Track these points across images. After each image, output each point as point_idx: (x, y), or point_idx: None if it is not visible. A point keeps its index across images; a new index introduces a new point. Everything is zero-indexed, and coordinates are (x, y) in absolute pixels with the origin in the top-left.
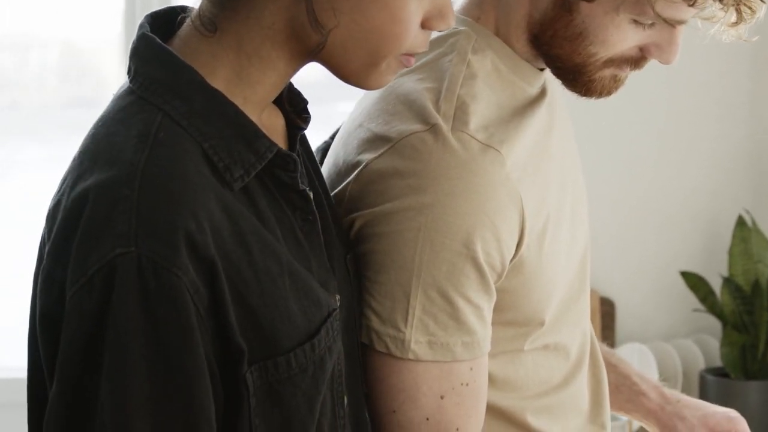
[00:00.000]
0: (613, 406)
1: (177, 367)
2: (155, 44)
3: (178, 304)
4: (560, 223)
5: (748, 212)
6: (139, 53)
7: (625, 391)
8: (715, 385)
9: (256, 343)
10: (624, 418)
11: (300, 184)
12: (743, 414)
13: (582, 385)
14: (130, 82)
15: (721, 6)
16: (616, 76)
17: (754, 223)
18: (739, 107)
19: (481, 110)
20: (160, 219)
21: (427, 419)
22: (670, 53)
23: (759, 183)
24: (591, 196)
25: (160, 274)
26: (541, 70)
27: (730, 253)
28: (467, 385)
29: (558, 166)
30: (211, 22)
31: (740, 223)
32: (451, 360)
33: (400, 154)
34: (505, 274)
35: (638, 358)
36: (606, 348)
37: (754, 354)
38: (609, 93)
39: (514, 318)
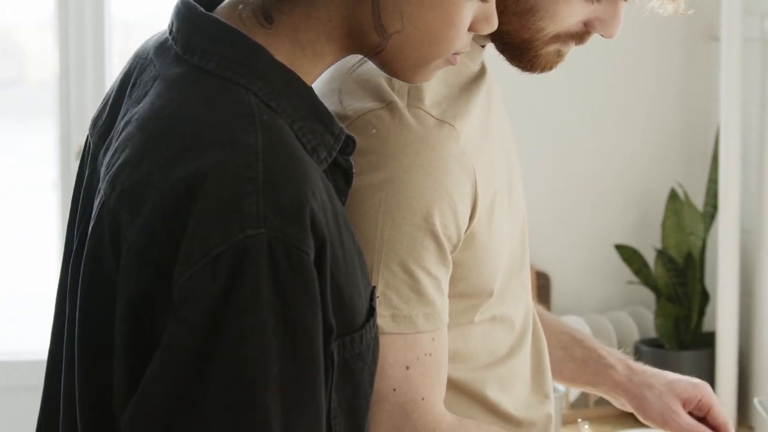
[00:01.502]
0: (580, 380)
1: (306, 346)
2: (221, 23)
3: (308, 283)
4: (503, 198)
5: (680, 185)
6: (203, 31)
7: (592, 365)
8: (649, 355)
9: (339, 320)
10: (562, 389)
11: (352, 168)
12: None
13: (526, 356)
14: (198, 60)
15: None
16: (559, 51)
17: (686, 196)
18: (670, 83)
19: (433, 87)
20: (287, 199)
21: (394, 390)
22: (613, 27)
23: (690, 157)
24: (526, 172)
25: (291, 254)
26: (482, 46)
27: (663, 226)
28: (430, 355)
29: (498, 142)
30: (268, 15)
31: (673, 196)
32: (414, 332)
33: (357, 131)
34: (459, 246)
35: None
36: (571, 325)
37: (688, 325)
38: (551, 68)
39: (465, 289)
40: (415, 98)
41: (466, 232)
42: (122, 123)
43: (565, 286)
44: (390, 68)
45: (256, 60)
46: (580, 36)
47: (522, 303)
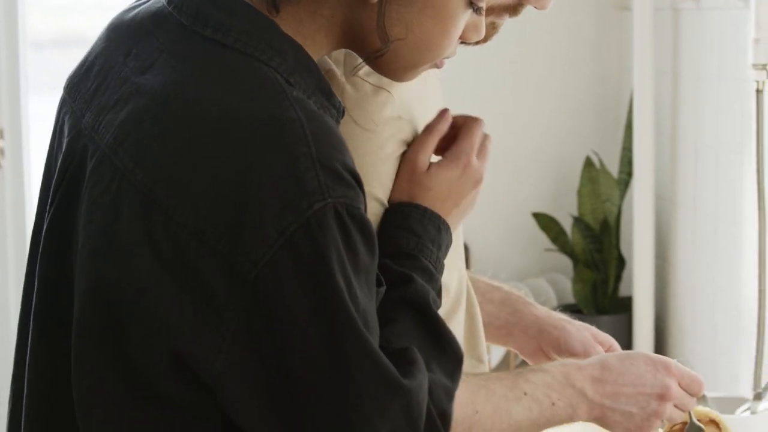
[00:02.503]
0: (497, 322)
1: (373, 290)
2: None
3: (371, 235)
4: None
5: (595, 154)
6: (215, 3)
7: (510, 304)
8: None
9: None
10: (502, 349)
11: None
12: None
13: (461, 321)
14: (213, 33)
15: None
16: (493, 23)
17: (601, 163)
18: (584, 54)
19: None
20: (339, 166)
21: None
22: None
23: (604, 126)
24: None
25: (354, 215)
26: None
27: (579, 193)
28: None
29: (433, 111)
30: (276, 5)
31: (588, 164)
32: None
33: None
34: None
35: None
36: (485, 280)
37: (605, 290)
38: (486, 40)
39: None
40: (351, 66)
41: None
42: (122, 91)
43: (484, 254)
44: (382, 68)
45: (272, 36)
46: (513, 8)
47: (456, 270)
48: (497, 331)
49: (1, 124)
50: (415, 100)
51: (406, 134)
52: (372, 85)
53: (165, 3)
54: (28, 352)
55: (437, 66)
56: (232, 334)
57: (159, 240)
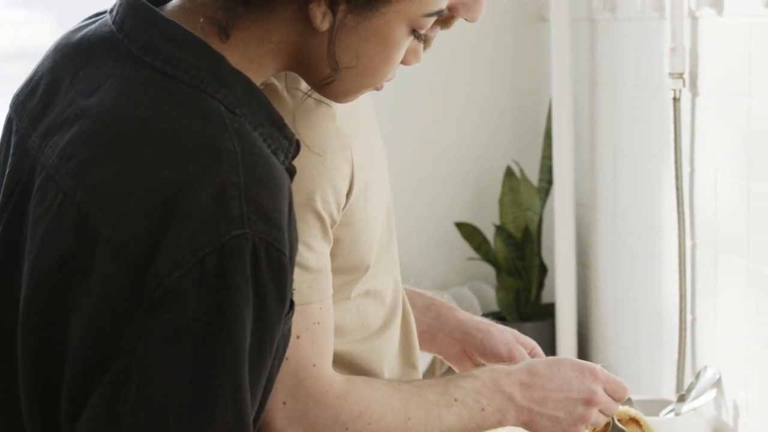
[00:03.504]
0: (422, 324)
1: (270, 343)
2: (184, 31)
3: (284, 283)
4: (376, 176)
5: (516, 163)
6: (167, 36)
7: (434, 309)
8: None
9: None
10: (428, 356)
11: (294, 170)
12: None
13: (396, 329)
14: (162, 65)
15: None
16: (427, 37)
17: (521, 172)
18: (502, 64)
19: None
20: (267, 203)
21: (287, 358)
22: (476, 11)
23: (524, 135)
24: None
25: (271, 254)
26: None
27: (501, 202)
28: (319, 323)
29: (366, 123)
30: (225, 31)
31: (509, 173)
32: (300, 303)
33: None
34: (338, 221)
35: None
36: (408, 287)
37: (528, 297)
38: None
39: (344, 265)
40: (293, 80)
41: (344, 208)
42: (68, 113)
43: (408, 264)
44: (327, 93)
45: (219, 69)
46: (445, 21)
47: (391, 278)
48: (421, 336)
49: None
50: (352, 113)
51: (346, 152)
52: (312, 98)
53: (115, 30)
54: None
55: (378, 89)
56: (121, 351)
57: (88, 258)
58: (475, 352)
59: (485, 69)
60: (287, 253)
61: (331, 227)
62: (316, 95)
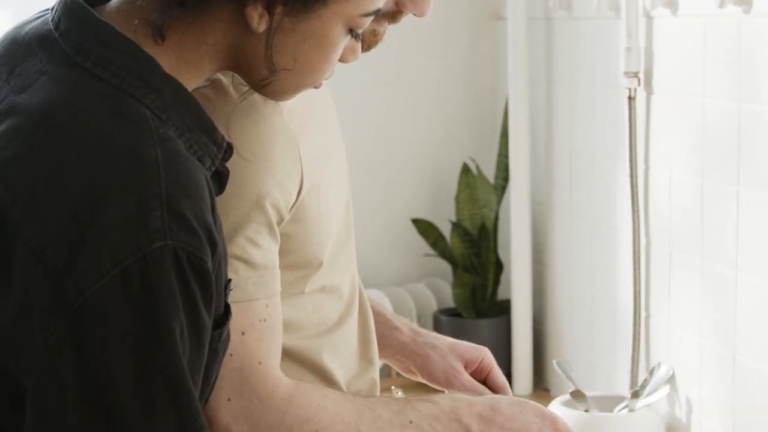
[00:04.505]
0: None
1: (205, 343)
2: (117, 33)
3: (209, 287)
4: (330, 171)
5: (472, 160)
6: (98, 37)
7: (379, 327)
8: (448, 324)
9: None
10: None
11: (228, 173)
12: None
13: (353, 324)
14: (92, 66)
15: None
16: (375, 30)
17: (478, 170)
18: (458, 62)
19: None
20: (188, 213)
21: (231, 355)
22: (423, 6)
23: (481, 133)
24: None
25: (193, 263)
26: None
27: (457, 199)
28: (265, 321)
29: (322, 117)
30: (160, 32)
31: (465, 170)
32: (245, 299)
33: None
34: (287, 217)
35: None
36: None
37: (484, 294)
38: (369, 48)
39: (296, 261)
40: (239, 77)
41: (294, 204)
42: (1, 108)
43: (365, 260)
44: (265, 92)
45: (149, 73)
46: (392, 15)
47: (349, 273)
48: None
49: None
50: (302, 107)
51: (293, 148)
52: (260, 95)
53: (52, 28)
54: None
55: (317, 87)
56: (41, 357)
57: (7, 257)
58: (418, 374)
59: (442, 66)
60: (209, 260)
61: (279, 224)
62: None
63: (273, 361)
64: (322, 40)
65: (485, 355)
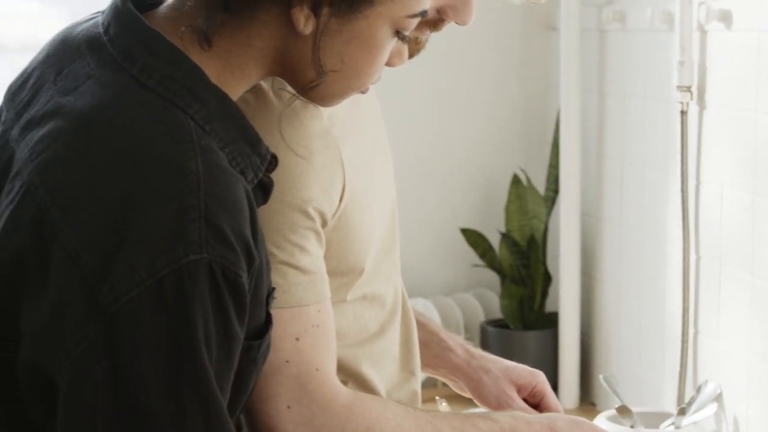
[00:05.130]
0: (421, 362)
1: (236, 356)
2: (164, 41)
3: (242, 302)
4: (374, 178)
5: (523, 171)
6: (146, 45)
7: (433, 347)
8: (495, 335)
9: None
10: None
11: (272, 184)
12: (523, 362)
13: (395, 334)
14: (138, 73)
15: None
16: (417, 38)
17: (528, 180)
18: (511, 72)
19: None
20: (226, 227)
21: (287, 361)
22: (465, 14)
23: (531, 143)
24: None
25: (228, 277)
26: None
27: (507, 210)
28: (318, 326)
29: (366, 126)
30: (208, 39)
31: (515, 181)
32: (295, 305)
33: None
34: (331, 224)
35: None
36: (416, 309)
37: (531, 305)
38: (411, 56)
39: (337, 268)
40: (280, 81)
41: (337, 210)
42: (46, 108)
43: (413, 269)
44: (312, 97)
45: (194, 82)
46: (434, 23)
47: (392, 282)
48: (422, 368)
49: None
50: (346, 114)
51: (334, 153)
52: (300, 100)
53: (102, 31)
54: None
55: (363, 92)
56: (74, 360)
57: (44, 258)
58: (471, 395)
59: (494, 76)
60: (244, 274)
61: (323, 228)
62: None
63: (330, 367)
64: (369, 41)
65: (539, 379)
